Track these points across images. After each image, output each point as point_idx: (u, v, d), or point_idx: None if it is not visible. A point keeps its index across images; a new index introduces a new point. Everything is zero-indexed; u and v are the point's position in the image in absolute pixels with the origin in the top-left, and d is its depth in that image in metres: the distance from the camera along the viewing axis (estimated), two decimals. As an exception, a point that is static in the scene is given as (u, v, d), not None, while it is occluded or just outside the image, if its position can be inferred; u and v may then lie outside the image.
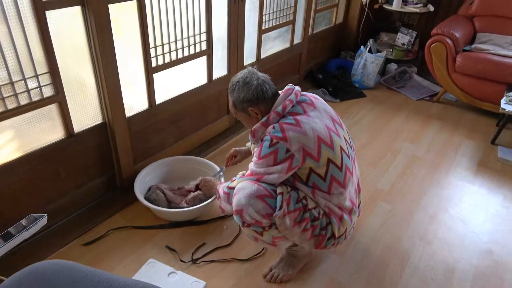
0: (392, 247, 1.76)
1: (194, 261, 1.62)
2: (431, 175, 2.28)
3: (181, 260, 1.62)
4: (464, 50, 2.96)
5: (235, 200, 1.36)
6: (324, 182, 1.37)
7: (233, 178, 1.50)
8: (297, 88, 1.46)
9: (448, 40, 2.85)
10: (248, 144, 1.81)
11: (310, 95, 1.48)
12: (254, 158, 1.39)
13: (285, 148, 1.30)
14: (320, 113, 1.42)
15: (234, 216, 1.39)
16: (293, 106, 1.39)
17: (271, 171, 1.33)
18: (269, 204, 1.32)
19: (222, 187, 1.53)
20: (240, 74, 1.44)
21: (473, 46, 3.00)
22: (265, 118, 1.37)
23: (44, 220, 0.89)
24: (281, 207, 1.31)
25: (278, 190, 1.34)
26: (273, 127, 1.33)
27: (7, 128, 1.44)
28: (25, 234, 0.85)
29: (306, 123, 1.33)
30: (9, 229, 0.86)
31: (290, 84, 1.48)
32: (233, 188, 1.42)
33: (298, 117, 1.35)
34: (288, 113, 1.37)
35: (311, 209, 1.37)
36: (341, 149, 1.40)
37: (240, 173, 1.54)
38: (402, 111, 3.04)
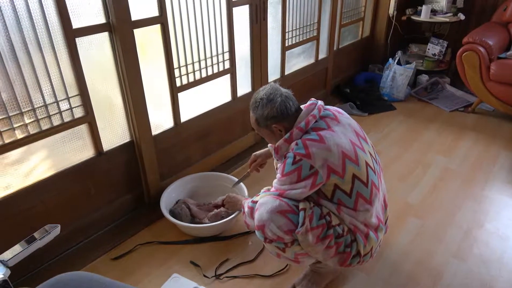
0: (423, 264, 1.68)
1: (217, 276, 1.62)
2: (466, 189, 2.17)
3: (205, 276, 1.63)
4: (499, 58, 2.84)
5: (256, 215, 1.36)
6: (350, 199, 1.33)
7: (258, 194, 1.50)
8: (320, 102, 1.43)
9: (481, 48, 2.74)
10: (270, 145, 1.79)
11: (333, 109, 1.45)
12: (278, 175, 1.37)
13: (308, 165, 1.27)
14: (344, 128, 1.38)
15: (256, 231, 1.38)
16: (316, 121, 1.36)
17: (295, 188, 1.31)
18: (291, 220, 1.30)
19: (247, 202, 1.52)
20: (263, 91, 1.41)
21: (508, 53, 2.87)
22: (288, 134, 1.36)
23: (57, 230, 0.94)
24: (303, 223, 1.29)
25: (301, 206, 1.31)
26: (296, 144, 1.31)
27: (41, 148, 1.54)
28: (39, 243, 0.90)
29: (330, 138, 1.30)
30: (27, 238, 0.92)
31: (312, 98, 1.45)
32: (257, 202, 1.42)
33: (322, 133, 1.32)
34: (311, 129, 1.34)
35: (335, 225, 1.33)
36: (367, 164, 1.36)
37: (265, 188, 1.54)
38: (434, 123, 2.94)
